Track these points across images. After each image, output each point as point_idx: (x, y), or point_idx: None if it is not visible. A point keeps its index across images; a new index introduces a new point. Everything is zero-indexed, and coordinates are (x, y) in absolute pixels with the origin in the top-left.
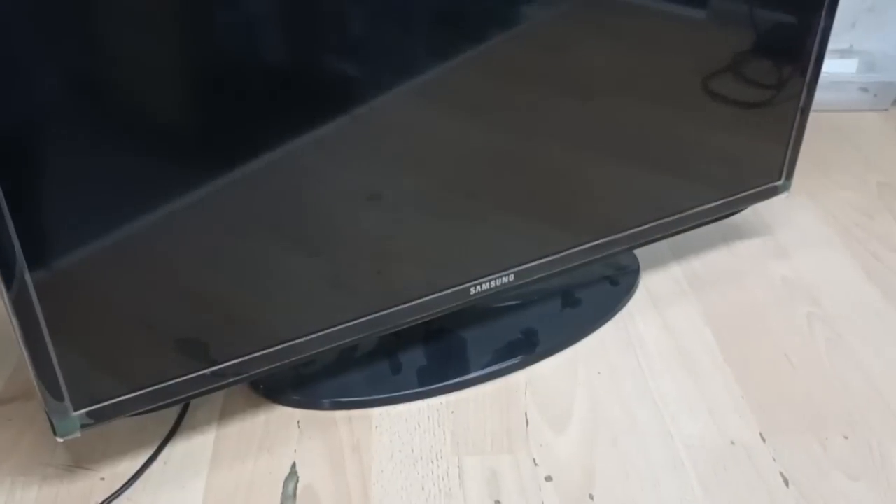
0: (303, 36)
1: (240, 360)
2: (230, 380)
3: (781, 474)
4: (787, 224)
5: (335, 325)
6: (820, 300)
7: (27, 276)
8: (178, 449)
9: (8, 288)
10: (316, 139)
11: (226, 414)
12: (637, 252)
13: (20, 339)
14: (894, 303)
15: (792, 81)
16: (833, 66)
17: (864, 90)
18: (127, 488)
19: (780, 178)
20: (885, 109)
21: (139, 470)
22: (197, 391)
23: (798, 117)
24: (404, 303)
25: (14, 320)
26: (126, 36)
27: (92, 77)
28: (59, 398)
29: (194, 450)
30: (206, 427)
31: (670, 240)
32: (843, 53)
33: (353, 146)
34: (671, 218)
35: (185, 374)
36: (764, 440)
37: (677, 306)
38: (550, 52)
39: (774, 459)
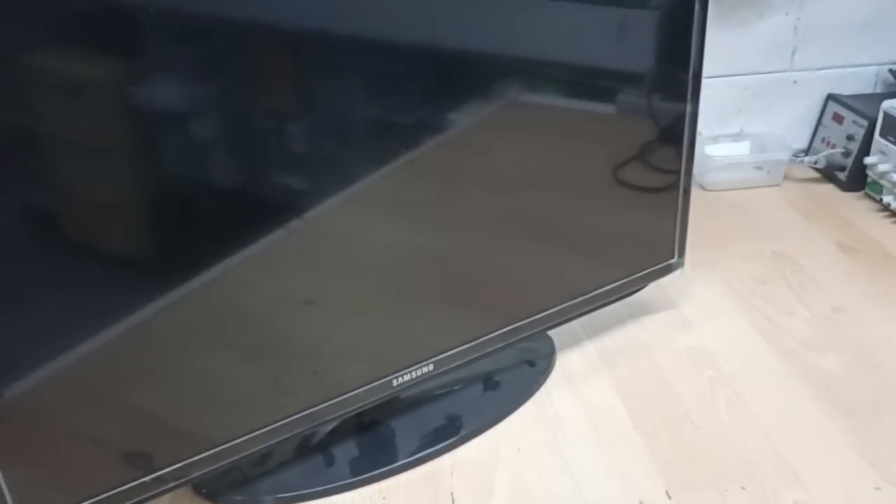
0: (237, 157)
1: (180, 464)
2: (172, 484)
3: None
4: (689, 297)
5: (271, 424)
6: (720, 364)
7: None
8: None
9: None
10: (253, 253)
11: None
12: (553, 334)
13: None
14: (787, 362)
15: (672, 166)
16: (728, 150)
17: (759, 168)
18: None
19: (673, 257)
20: (778, 184)
21: None
22: (140, 497)
23: (681, 199)
24: (335, 398)
25: None
26: (72, 167)
27: (37, 209)
28: None
29: None
30: None
31: (583, 320)
32: (736, 137)
33: (289, 256)
34: (581, 298)
35: (128, 483)
36: (670, 497)
37: (590, 381)
38: (471, 155)
39: None
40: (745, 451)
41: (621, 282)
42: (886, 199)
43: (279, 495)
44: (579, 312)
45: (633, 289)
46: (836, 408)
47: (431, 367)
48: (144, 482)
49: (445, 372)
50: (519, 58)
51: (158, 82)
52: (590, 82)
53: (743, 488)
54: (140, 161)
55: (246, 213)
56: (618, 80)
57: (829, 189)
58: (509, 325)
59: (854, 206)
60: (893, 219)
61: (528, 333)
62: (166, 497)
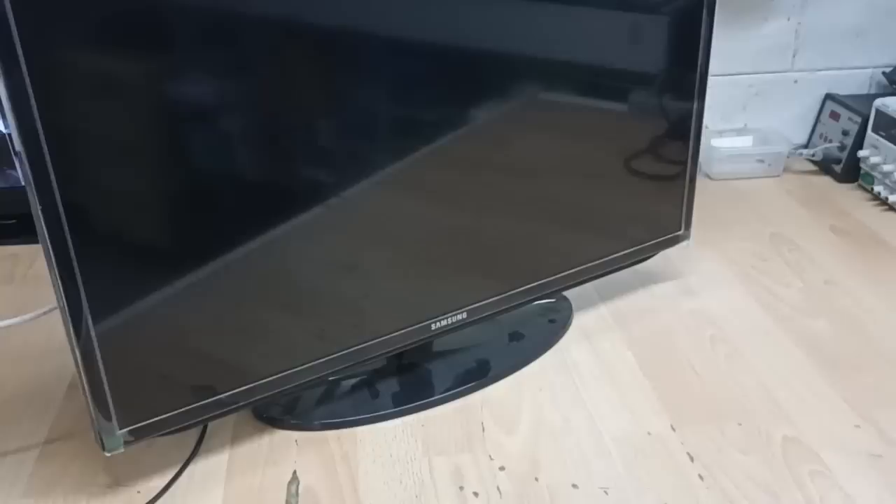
0: (294, 144)
1: (243, 388)
2: (239, 404)
3: (688, 454)
4: (694, 269)
5: (318, 359)
6: (721, 325)
7: (92, 332)
8: (199, 467)
9: (77, 339)
10: (302, 226)
11: (236, 439)
12: (571, 298)
13: (83, 376)
14: (782, 325)
15: (681, 155)
16: (733, 143)
17: (761, 161)
18: (160, 497)
19: (680, 229)
20: (778, 175)
21: (168, 483)
22: (212, 414)
23: (688, 183)
24: (378, 338)
25: (80, 363)
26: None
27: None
28: (108, 419)
29: (212, 467)
30: (221, 449)
31: (598, 285)
32: (740, 131)
33: (332, 231)
34: (596, 262)
35: (203, 401)
36: (674, 430)
37: (604, 336)
38: (497, 146)
39: (682, 443)
40: (742, 395)
41: (633, 249)
42: (877, 188)
43: (329, 420)
44: (595, 275)
45: (644, 256)
46: (823, 362)
47: (465, 314)
48: (217, 400)
49: (477, 320)
50: (542, 59)
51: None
52: (608, 82)
53: (739, 424)
54: (213, 146)
55: (298, 191)
56: (631, 80)
57: (826, 180)
58: (531, 284)
59: (848, 195)
60: (883, 207)
61: (548, 291)
62: (231, 421)
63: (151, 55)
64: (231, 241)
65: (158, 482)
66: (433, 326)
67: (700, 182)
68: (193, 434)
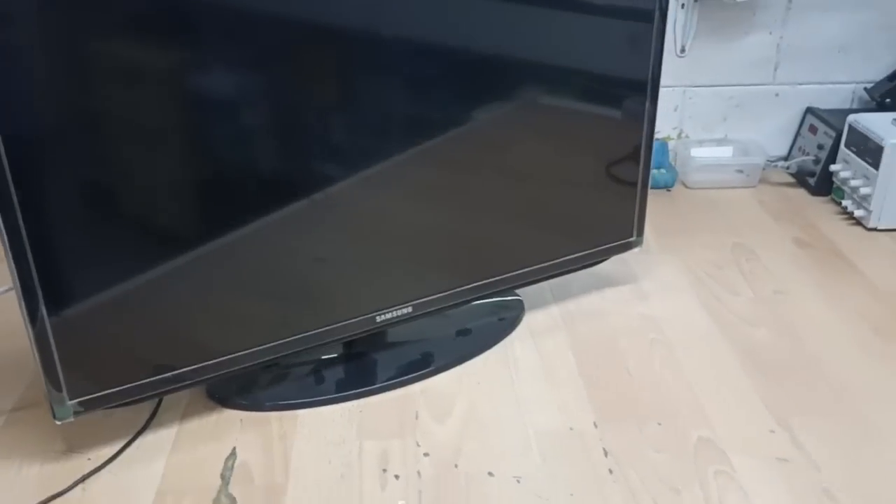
0: (274, 140)
1: (195, 366)
2: (188, 382)
3: (604, 449)
4: (650, 275)
5: (270, 343)
6: (664, 330)
7: (43, 310)
8: (149, 439)
9: (31, 318)
10: (280, 218)
11: (186, 415)
12: (525, 298)
13: (34, 350)
14: (723, 332)
15: (633, 164)
16: (712, 153)
17: (739, 171)
18: (107, 465)
19: (633, 235)
20: (754, 186)
21: (117, 452)
22: (162, 389)
23: (640, 189)
24: (327, 326)
25: (32, 338)
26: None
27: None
28: (59, 390)
29: (160, 439)
30: (171, 424)
31: (554, 288)
32: (720, 142)
33: (309, 223)
34: (547, 264)
35: (154, 377)
36: (596, 426)
37: (549, 336)
38: (455, 147)
39: (601, 439)
40: (668, 397)
41: (584, 252)
42: (846, 202)
43: (276, 403)
44: (544, 276)
45: (596, 260)
46: (755, 369)
47: (410, 309)
48: (166, 377)
49: (423, 315)
50: (497, 60)
51: (208, 71)
52: (560, 89)
53: (659, 424)
54: (191, 139)
55: (276, 185)
56: (584, 87)
57: (801, 193)
58: (479, 282)
59: (819, 208)
60: (850, 221)
61: (497, 290)
62: (185, 399)
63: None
64: (197, 229)
65: (109, 451)
66: (378, 319)
67: (676, 190)
68: (150, 407)
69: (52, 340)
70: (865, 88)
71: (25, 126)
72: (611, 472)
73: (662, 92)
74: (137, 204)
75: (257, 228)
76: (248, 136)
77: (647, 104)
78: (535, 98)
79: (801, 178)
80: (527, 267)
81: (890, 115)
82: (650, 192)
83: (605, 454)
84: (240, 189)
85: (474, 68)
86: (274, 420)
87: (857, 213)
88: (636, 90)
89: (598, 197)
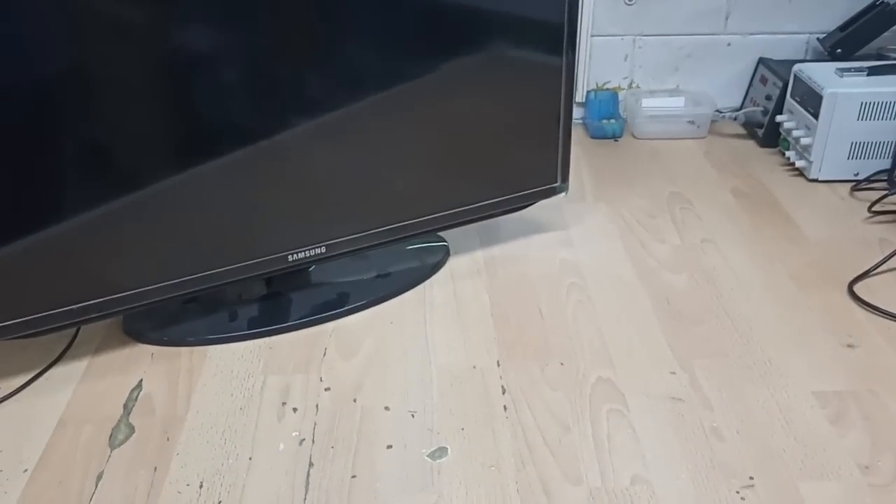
0: (207, 90)
1: (106, 298)
2: (97, 314)
3: (502, 386)
4: (580, 222)
5: (181, 277)
6: (584, 275)
7: None
8: (60, 371)
9: None
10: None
11: (100, 349)
12: (452, 242)
13: None
14: (642, 279)
15: (554, 109)
16: (665, 103)
17: (691, 122)
18: (15, 394)
19: (556, 181)
20: (703, 137)
21: (26, 382)
22: (69, 321)
23: (562, 135)
24: (239, 263)
25: None
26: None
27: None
28: None
29: (71, 371)
30: (83, 356)
31: (482, 232)
32: (672, 92)
33: (246, 170)
34: (468, 207)
35: (62, 307)
36: (499, 365)
37: (469, 280)
38: (376, 90)
39: (501, 377)
40: (575, 339)
41: (507, 197)
42: (788, 153)
43: (187, 338)
44: (467, 219)
45: (520, 204)
46: (668, 315)
47: (323, 249)
48: (72, 309)
49: (337, 255)
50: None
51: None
52: (481, 31)
53: (561, 364)
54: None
55: (204, 129)
56: (504, 29)
57: (749, 145)
58: (395, 224)
59: (764, 160)
60: (793, 172)
61: (415, 233)
62: (101, 333)
63: None
64: (117, 166)
65: (19, 381)
66: (290, 258)
67: (624, 140)
68: (67, 340)
69: None
70: (818, 38)
71: None
72: (505, 408)
73: (611, 41)
74: (62, 136)
75: (179, 169)
76: (184, 82)
77: (565, 50)
78: (456, 43)
79: (750, 129)
80: (447, 210)
81: (835, 65)
82: (596, 142)
83: (504, 391)
84: (168, 129)
85: (392, 13)
86: (184, 355)
87: (799, 163)
88: (553, 33)
89: (521, 144)
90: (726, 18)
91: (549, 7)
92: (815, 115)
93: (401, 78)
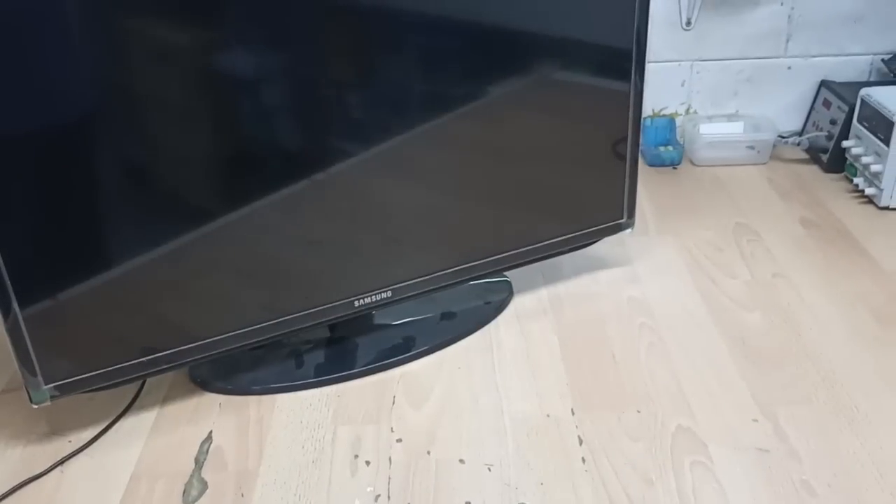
0: (281, 119)
1: (175, 350)
2: (166, 366)
3: (579, 437)
4: (646, 257)
5: (251, 326)
6: (655, 314)
7: (14, 301)
8: (129, 422)
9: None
10: (279, 199)
11: (168, 399)
12: (515, 281)
13: (8, 337)
14: (715, 317)
15: (621, 142)
16: (722, 129)
17: (751, 147)
18: (86, 448)
19: (623, 217)
20: (764, 163)
21: (97, 435)
22: (139, 373)
23: (629, 169)
24: (306, 310)
25: (5, 326)
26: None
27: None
28: (34, 374)
29: (140, 423)
30: (152, 407)
31: (545, 271)
32: (731, 117)
33: (307, 205)
34: (532, 246)
35: (131, 360)
36: (573, 414)
37: (536, 320)
38: (443, 128)
39: (577, 426)
40: (651, 384)
41: (572, 235)
42: (857, 180)
43: (253, 387)
44: (531, 259)
45: (585, 242)
46: (745, 356)
47: (389, 293)
48: (142, 361)
49: (403, 299)
50: (485, 35)
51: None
52: (544, 63)
53: (638, 412)
54: (183, 119)
55: (268, 167)
56: (570, 61)
57: (813, 170)
58: (462, 265)
59: (830, 186)
60: (861, 199)
61: (481, 273)
62: (167, 382)
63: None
64: (181, 212)
65: (90, 434)
66: (356, 304)
67: (683, 168)
68: (133, 390)
69: (23, 327)
70: (883, 60)
71: None
72: (584, 461)
73: (668, 67)
74: (117, 186)
75: (244, 210)
76: (244, 115)
77: (633, 77)
78: (520, 76)
79: (814, 154)
80: (511, 250)
81: None
82: (654, 170)
83: (580, 442)
84: (231, 171)
85: (461, 45)
86: (252, 404)
87: (869, 191)
88: (620, 63)
89: (584, 177)
90: (787, 41)
91: (616, 33)
92: (886, 142)
93: (464, 109)
